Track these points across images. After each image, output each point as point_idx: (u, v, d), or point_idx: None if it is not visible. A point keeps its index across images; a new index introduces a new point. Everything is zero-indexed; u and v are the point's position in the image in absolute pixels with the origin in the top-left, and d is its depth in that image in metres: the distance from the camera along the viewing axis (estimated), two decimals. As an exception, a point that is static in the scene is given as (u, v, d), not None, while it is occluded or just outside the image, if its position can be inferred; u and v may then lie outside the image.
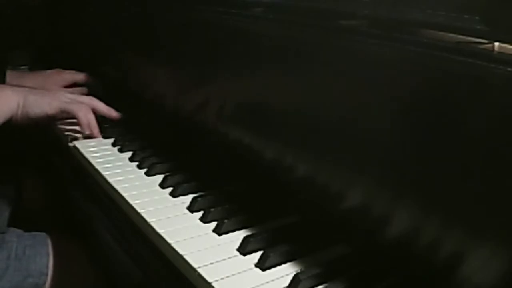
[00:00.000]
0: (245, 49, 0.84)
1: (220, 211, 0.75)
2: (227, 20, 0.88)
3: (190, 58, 0.99)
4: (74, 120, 1.04)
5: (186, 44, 0.99)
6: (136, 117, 1.12)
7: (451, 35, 0.62)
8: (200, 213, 0.75)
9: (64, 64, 1.38)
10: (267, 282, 0.62)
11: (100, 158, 0.94)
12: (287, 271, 0.64)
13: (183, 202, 0.79)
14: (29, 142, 1.23)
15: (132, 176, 0.88)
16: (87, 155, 0.95)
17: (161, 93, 1.10)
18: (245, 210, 0.75)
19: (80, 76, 1.30)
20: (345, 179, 0.68)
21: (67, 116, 1.04)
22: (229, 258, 0.66)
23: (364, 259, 0.66)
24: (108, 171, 0.89)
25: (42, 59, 1.52)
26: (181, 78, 1.03)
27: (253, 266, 0.64)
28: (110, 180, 0.85)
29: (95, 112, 1.04)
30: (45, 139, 1.13)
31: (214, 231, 0.72)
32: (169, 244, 0.68)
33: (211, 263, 0.64)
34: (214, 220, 0.73)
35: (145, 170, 0.90)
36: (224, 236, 0.71)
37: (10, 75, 1.22)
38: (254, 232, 0.71)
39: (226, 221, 0.71)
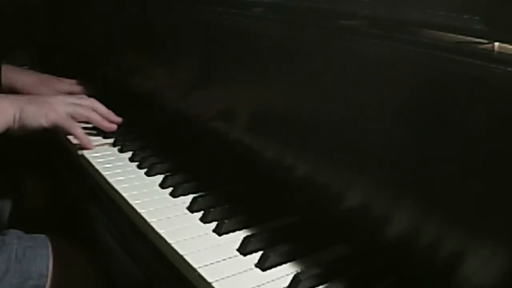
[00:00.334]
0: (245, 49, 0.84)
1: (220, 211, 0.75)
2: (227, 20, 0.88)
3: (190, 58, 0.99)
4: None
5: (186, 44, 0.99)
6: (136, 117, 1.12)
7: (451, 35, 0.62)
8: (200, 213, 0.75)
9: (64, 64, 1.38)
10: (267, 282, 0.62)
11: (100, 158, 0.94)
12: (287, 271, 0.64)
13: (183, 202, 0.79)
14: (29, 142, 1.23)
15: (132, 176, 0.88)
16: (87, 155, 0.95)
17: (161, 93, 1.10)
18: (245, 210, 0.75)
19: (77, 89, 1.27)
20: (345, 179, 0.69)
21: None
22: (229, 258, 0.66)
23: (364, 259, 0.66)
24: (108, 171, 0.89)
25: (42, 59, 1.52)
26: (181, 78, 1.03)
27: (253, 266, 0.64)
28: (110, 180, 0.85)
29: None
30: (46, 139, 1.13)
31: (214, 231, 0.72)
32: (169, 244, 0.68)
33: (211, 263, 0.64)
34: (214, 220, 0.73)
35: (145, 170, 0.90)
36: (224, 236, 0.71)
37: (4, 68, 1.21)
38: (254, 232, 0.71)
39: (226, 221, 0.72)
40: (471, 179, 0.54)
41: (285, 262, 0.65)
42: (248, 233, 0.70)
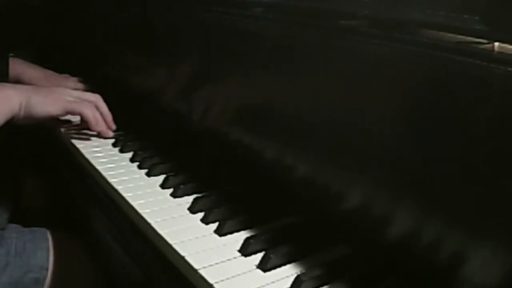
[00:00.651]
0: (245, 49, 0.84)
1: (221, 212, 0.75)
2: (227, 20, 0.88)
3: (190, 58, 0.99)
4: (78, 120, 1.05)
5: (186, 44, 0.99)
6: (136, 117, 1.12)
7: (451, 35, 0.62)
8: (201, 214, 0.75)
9: (64, 64, 1.38)
10: (269, 283, 0.62)
11: (100, 159, 0.94)
12: (288, 272, 0.64)
13: (184, 203, 0.79)
14: (29, 142, 1.23)
15: (133, 176, 0.88)
16: (87, 155, 0.95)
17: (161, 93, 1.10)
18: (246, 211, 0.75)
19: (82, 87, 1.28)
20: (346, 179, 0.69)
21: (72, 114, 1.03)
22: (231, 259, 0.66)
23: (366, 260, 0.66)
24: (108, 171, 0.89)
25: (42, 59, 1.52)
26: (182, 78, 1.03)
27: (254, 267, 0.64)
28: (111, 180, 0.85)
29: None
30: (46, 139, 1.13)
31: (215, 232, 0.71)
32: (170, 245, 0.68)
33: (213, 264, 0.64)
34: (215, 221, 0.73)
35: (146, 170, 0.90)
36: (225, 237, 0.71)
37: (12, 61, 1.22)
38: (255, 233, 0.71)
39: (227, 222, 0.71)
40: (471, 179, 0.54)
41: (286, 263, 0.65)
42: (250, 234, 0.70)
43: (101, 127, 1.02)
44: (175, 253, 0.67)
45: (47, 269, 0.92)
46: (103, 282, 0.96)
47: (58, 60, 1.50)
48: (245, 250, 0.67)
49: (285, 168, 0.77)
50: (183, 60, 1.01)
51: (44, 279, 0.92)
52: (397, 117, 0.62)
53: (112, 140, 1.02)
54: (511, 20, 0.58)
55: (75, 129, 1.06)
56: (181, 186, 0.82)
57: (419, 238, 0.59)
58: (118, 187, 0.83)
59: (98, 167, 0.90)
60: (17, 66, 1.24)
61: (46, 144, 1.14)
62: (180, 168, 0.89)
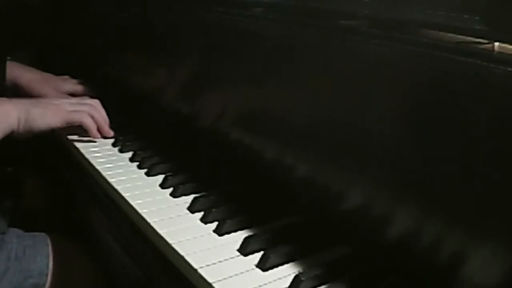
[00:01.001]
0: (245, 49, 0.84)
1: (220, 211, 0.75)
2: (227, 20, 0.88)
3: (190, 58, 0.99)
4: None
5: (186, 44, 0.99)
6: (136, 117, 1.12)
7: (451, 35, 0.62)
8: (201, 214, 0.75)
9: (64, 64, 1.38)
10: (268, 282, 0.62)
11: (100, 159, 0.94)
12: (288, 271, 0.64)
13: (183, 203, 0.79)
14: (29, 142, 1.23)
15: (133, 176, 0.88)
16: (87, 156, 0.95)
17: (161, 93, 1.10)
18: (246, 211, 0.75)
19: (80, 88, 1.28)
20: (346, 179, 0.68)
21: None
22: (230, 258, 0.66)
23: (365, 260, 0.66)
24: (108, 171, 0.89)
25: (42, 59, 1.52)
26: (181, 78, 1.03)
27: (254, 266, 0.64)
28: (111, 180, 0.85)
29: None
30: (46, 139, 1.13)
31: (214, 231, 0.72)
32: (170, 245, 0.68)
33: (212, 264, 0.64)
34: (214, 221, 0.73)
35: (145, 170, 0.90)
36: (224, 236, 0.71)
37: (9, 65, 1.21)
38: (254, 232, 0.71)
39: (226, 221, 0.71)
40: (471, 179, 0.54)
41: (286, 263, 0.65)
42: (249, 234, 0.70)
43: (103, 132, 1.03)
44: (174, 253, 0.67)
45: (46, 275, 0.92)
46: (103, 282, 0.96)
47: (58, 60, 1.50)
48: (245, 249, 0.67)
49: (285, 168, 0.77)
50: (183, 60, 1.01)
51: (44, 284, 0.91)
52: (397, 117, 0.62)
53: (112, 140, 1.03)
54: (511, 20, 0.58)
55: (75, 130, 1.06)
56: (181, 186, 0.82)
57: (419, 238, 0.59)
58: (118, 187, 0.83)
59: (98, 167, 0.90)
60: (14, 69, 1.23)
61: (46, 144, 1.14)
62: (179, 168, 0.89)
